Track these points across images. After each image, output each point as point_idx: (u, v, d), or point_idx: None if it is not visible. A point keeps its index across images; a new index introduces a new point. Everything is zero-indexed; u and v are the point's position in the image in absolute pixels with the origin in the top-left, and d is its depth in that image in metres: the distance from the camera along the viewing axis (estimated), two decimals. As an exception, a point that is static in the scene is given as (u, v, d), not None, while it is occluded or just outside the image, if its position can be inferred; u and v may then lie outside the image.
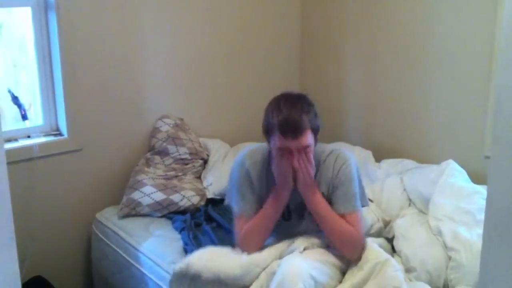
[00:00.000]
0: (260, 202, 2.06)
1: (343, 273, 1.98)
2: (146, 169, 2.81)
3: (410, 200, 2.57)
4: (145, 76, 2.93)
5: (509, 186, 1.08)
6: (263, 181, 2.06)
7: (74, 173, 2.75)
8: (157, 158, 2.87)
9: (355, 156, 2.81)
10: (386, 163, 2.83)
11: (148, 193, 2.66)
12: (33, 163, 2.59)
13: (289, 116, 1.88)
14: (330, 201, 2.02)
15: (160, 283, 2.27)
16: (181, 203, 2.69)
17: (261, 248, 2.02)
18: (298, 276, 1.77)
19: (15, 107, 2.66)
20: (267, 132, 1.96)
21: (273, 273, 1.89)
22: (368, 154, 2.93)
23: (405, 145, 2.99)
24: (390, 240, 2.33)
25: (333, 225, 1.97)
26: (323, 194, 2.01)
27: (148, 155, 2.90)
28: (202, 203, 2.76)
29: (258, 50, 3.34)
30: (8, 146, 2.54)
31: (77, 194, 2.78)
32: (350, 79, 3.26)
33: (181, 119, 3.02)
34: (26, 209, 2.57)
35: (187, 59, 3.07)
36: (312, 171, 1.96)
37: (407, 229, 2.28)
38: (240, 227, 2.05)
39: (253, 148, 2.13)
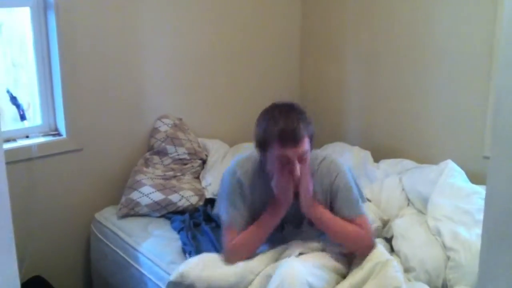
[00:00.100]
0: (251, 213, 2.03)
1: (343, 276, 1.97)
2: (145, 169, 2.81)
3: (409, 200, 2.57)
4: (145, 76, 2.92)
5: (509, 187, 1.08)
6: (255, 191, 2.04)
7: (72, 173, 2.75)
8: (156, 158, 2.87)
9: (346, 160, 2.85)
10: (385, 163, 2.83)
11: (147, 193, 2.66)
12: (31, 163, 2.59)
13: (287, 124, 1.86)
14: (330, 208, 2.02)
15: (159, 283, 2.27)
16: (180, 203, 2.69)
17: (255, 255, 2.00)
18: (296, 280, 1.75)
19: (14, 107, 2.65)
20: (263, 144, 1.93)
21: (268, 276, 1.87)
22: (367, 154, 2.94)
23: (404, 145, 2.99)
24: (389, 240, 2.33)
25: (343, 231, 1.98)
26: (320, 201, 2.00)
27: (147, 155, 2.90)
28: (201, 203, 2.76)
29: (258, 49, 3.34)
30: (7, 146, 2.53)
31: (76, 194, 2.78)
32: (350, 79, 3.26)
33: (180, 119, 3.02)
34: (25, 209, 2.57)
35: (187, 59, 3.06)
36: (311, 186, 1.96)
37: (406, 229, 2.28)
38: (229, 238, 2.01)
39: (243, 157, 2.11)
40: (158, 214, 2.67)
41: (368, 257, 1.93)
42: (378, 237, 2.33)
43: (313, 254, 1.97)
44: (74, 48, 2.64)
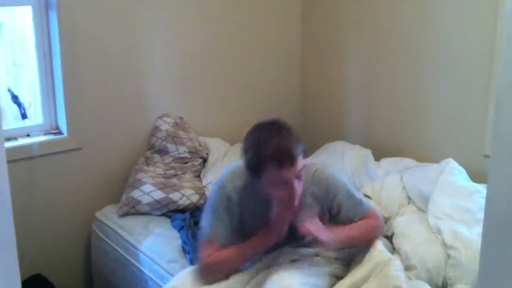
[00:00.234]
0: (234, 231, 1.94)
1: (340, 277, 1.95)
2: (145, 167, 2.81)
3: (409, 198, 2.57)
4: (146, 75, 2.93)
5: (509, 185, 1.08)
6: (245, 206, 1.93)
7: (73, 171, 2.75)
8: (156, 157, 2.88)
9: (347, 158, 2.84)
10: (386, 162, 2.83)
11: (148, 191, 2.66)
12: (32, 162, 2.59)
13: (279, 144, 1.75)
14: (328, 216, 1.98)
15: (159, 281, 2.27)
16: (181, 202, 2.69)
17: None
18: None
19: (15, 106, 2.66)
20: (257, 169, 1.78)
21: (259, 284, 1.85)
22: (368, 152, 2.94)
23: (405, 143, 2.99)
24: (389, 238, 2.33)
25: (362, 234, 1.98)
26: (315, 212, 1.93)
27: (148, 153, 2.90)
28: (202, 201, 2.76)
29: (258, 48, 3.34)
30: (8, 144, 2.54)
31: (77, 193, 2.78)
32: (350, 78, 3.26)
33: (181, 118, 3.02)
34: (26, 208, 2.57)
35: (188, 58, 3.07)
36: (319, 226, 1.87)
37: (407, 227, 2.29)
38: (207, 252, 1.90)
39: (233, 170, 1.97)
40: (159, 213, 2.68)
41: (370, 256, 1.93)
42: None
43: (305, 262, 1.93)
44: (76, 47, 2.64)
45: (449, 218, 2.24)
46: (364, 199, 2.06)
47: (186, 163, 2.91)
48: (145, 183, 2.69)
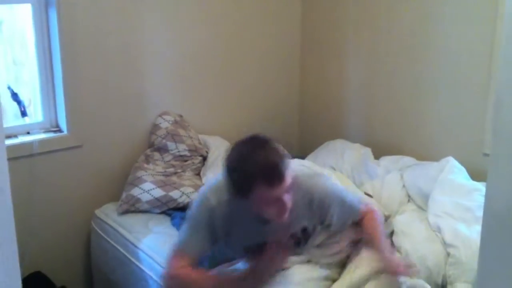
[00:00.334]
0: (208, 247, 1.88)
1: (335, 280, 1.95)
2: (145, 165, 2.81)
3: (409, 196, 2.58)
4: (146, 73, 2.93)
5: (508, 184, 1.09)
6: (228, 223, 1.86)
7: (73, 169, 2.75)
8: (156, 155, 2.88)
9: (347, 157, 2.84)
10: (386, 160, 2.84)
11: (148, 189, 2.66)
12: (32, 160, 2.59)
13: (267, 161, 1.66)
14: (322, 223, 1.96)
15: (159, 279, 2.27)
16: (180, 200, 2.69)
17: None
18: None
19: (15, 104, 2.66)
20: (245, 190, 1.69)
21: None
22: (368, 151, 2.94)
23: (405, 142, 2.99)
24: (389, 236, 2.33)
25: (382, 231, 2.02)
26: (306, 226, 1.91)
27: (148, 151, 2.90)
28: (202, 200, 2.76)
29: (258, 47, 3.34)
30: (8, 142, 2.54)
31: (76, 191, 2.78)
32: (350, 77, 3.26)
33: (181, 116, 3.02)
34: (26, 205, 2.57)
35: (188, 56, 3.07)
36: None
37: (407, 225, 2.29)
38: (177, 263, 1.84)
39: (217, 184, 1.87)
40: (159, 211, 2.68)
41: (370, 256, 1.94)
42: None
43: (296, 269, 1.92)
44: (75, 45, 2.64)
45: (449, 216, 2.24)
46: (354, 195, 2.04)
47: (186, 161, 2.91)
48: (145, 181, 2.69)
